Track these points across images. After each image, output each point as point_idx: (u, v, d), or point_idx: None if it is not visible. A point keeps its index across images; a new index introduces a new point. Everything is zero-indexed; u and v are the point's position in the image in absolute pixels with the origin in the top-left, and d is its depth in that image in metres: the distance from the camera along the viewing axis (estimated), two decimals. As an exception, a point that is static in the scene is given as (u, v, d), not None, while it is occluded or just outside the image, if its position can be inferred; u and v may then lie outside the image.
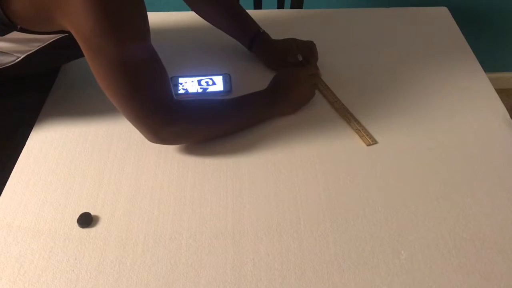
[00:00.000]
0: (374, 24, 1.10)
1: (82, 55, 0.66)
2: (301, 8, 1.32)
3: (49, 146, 0.81)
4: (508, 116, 0.86)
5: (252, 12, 0.99)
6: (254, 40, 0.96)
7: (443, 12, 1.15)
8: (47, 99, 0.90)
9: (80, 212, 0.71)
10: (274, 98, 0.85)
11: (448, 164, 0.78)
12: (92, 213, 0.71)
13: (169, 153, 0.80)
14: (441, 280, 0.63)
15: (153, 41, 0.69)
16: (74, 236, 0.68)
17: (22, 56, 0.74)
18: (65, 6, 0.61)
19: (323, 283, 0.63)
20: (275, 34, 0.98)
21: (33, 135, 0.83)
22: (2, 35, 0.69)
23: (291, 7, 1.31)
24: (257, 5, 1.34)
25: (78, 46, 0.65)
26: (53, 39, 0.72)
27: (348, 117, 0.85)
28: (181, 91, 0.90)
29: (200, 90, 0.90)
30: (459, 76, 0.95)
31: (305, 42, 0.95)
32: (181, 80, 0.92)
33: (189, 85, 0.91)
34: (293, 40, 0.96)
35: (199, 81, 0.92)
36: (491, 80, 0.94)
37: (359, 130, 0.83)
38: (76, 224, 0.69)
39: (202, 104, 0.81)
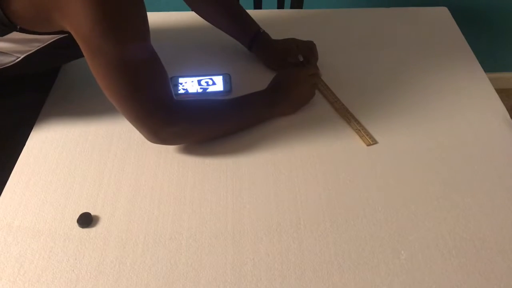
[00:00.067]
0: (374, 24, 1.10)
1: (82, 55, 0.66)
2: (301, 8, 1.32)
3: (49, 146, 0.81)
4: (508, 116, 0.86)
5: (252, 12, 0.99)
6: (254, 40, 0.96)
7: (443, 12, 1.15)
8: (47, 99, 0.90)
9: (80, 212, 0.71)
10: (274, 98, 0.85)
11: (448, 164, 0.78)
12: (92, 213, 0.71)
13: (169, 153, 0.80)
14: (441, 280, 0.63)
15: (153, 41, 0.69)
16: (74, 236, 0.68)
17: (22, 56, 0.74)
18: (65, 7, 0.61)
19: (323, 283, 0.63)
20: (275, 34, 0.98)
21: (33, 135, 0.83)
22: (2, 35, 0.69)
23: (291, 7, 1.31)
24: (257, 5, 1.34)
25: (78, 46, 0.65)
26: (53, 40, 0.72)
27: (348, 117, 0.85)
28: (181, 91, 0.90)
29: (200, 90, 0.90)
30: (459, 76, 0.95)
31: (305, 42, 0.95)
32: (181, 80, 0.92)
33: (189, 85, 0.91)
34: (293, 40, 0.96)
35: (199, 81, 0.92)
36: (491, 80, 0.94)
37: (359, 130, 0.83)
38: (76, 224, 0.69)
39: (202, 104, 0.81)
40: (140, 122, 0.72)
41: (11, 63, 0.75)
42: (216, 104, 0.82)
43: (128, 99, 0.69)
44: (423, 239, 0.67)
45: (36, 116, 0.87)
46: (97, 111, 0.87)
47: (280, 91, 0.85)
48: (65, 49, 0.74)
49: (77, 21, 0.62)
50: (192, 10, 1.02)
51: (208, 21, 1.00)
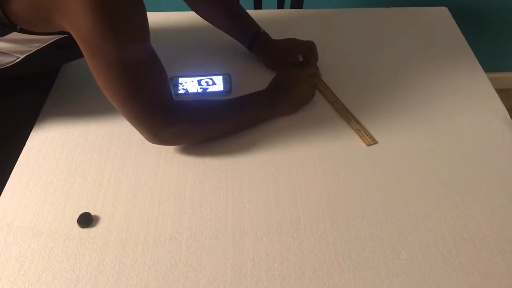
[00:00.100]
0: (374, 24, 1.10)
1: (82, 56, 0.66)
2: (301, 8, 1.32)
3: (49, 146, 0.81)
4: (508, 116, 0.86)
5: (252, 12, 0.99)
6: (254, 40, 0.96)
7: (443, 12, 1.15)
8: (47, 99, 0.90)
9: (80, 212, 0.71)
10: (274, 98, 0.85)
11: (448, 164, 0.78)
12: (92, 213, 0.71)
13: (169, 153, 0.80)
14: (441, 280, 0.63)
15: (153, 41, 0.69)
16: (74, 236, 0.68)
17: (22, 57, 0.74)
18: (65, 7, 0.61)
19: (323, 283, 0.63)
20: (275, 34, 0.98)
21: (33, 135, 0.83)
22: (2, 35, 0.69)
23: (291, 7, 1.31)
24: (257, 5, 1.34)
25: (78, 47, 0.65)
26: (53, 40, 0.72)
27: (348, 117, 0.85)
28: (181, 91, 0.90)
29: (200, 90, 0.90)
30: (459, 76, 0.95)
31: (305, 42, 0.95)
32: (181, 80, 0.92)
33: (189, 85, 0.91)
34: (293, 40, 0.96)
35: (199, 81, 0.92)
36: (491, 80, 0.94)
37: (359, 130, 0.83)
38: (76, 224, 0.69)
39: (202, 105, 0.81)
40: (140, 122, 0.72)
41: (11, 63, 0.75)
42: (216, 104, 0.82)
43: (128, 99, 0.69)
44: (423, 239, 0.67)
45: (36, 116, 0.87)
46: (97, 111, 0.87)
47: (280, 91, 0.85)
48: (65, 49, 0.74)
49: (77, 22, 0.62)
50: (192, 10, 1.02)
51: (208, 21, 1.00)
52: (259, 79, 0.89)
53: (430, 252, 0.66)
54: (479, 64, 0.98)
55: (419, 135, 0.83)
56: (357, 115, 0.86)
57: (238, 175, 0.76)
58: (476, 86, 0.93)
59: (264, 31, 0.97)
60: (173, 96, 0.74)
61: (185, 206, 0.72)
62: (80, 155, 0.80)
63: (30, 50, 0.73)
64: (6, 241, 0.68)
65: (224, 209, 0.72)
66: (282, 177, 0.76)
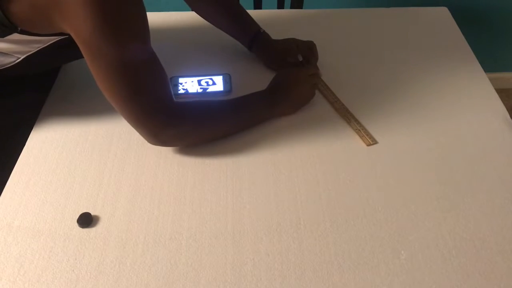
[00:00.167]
0: (374, 24, 1.10)
1: (82, 56, 0.66)
2: (301, 8, 1.32)
3: (49, 146, 0.81)
4: (508, 116, 0.86)
5: (252, 12, 0.99)
6: (254, 40, 0.96)
7: (443, 12, 1.15)
8: (47, 99, 0.90)
9: (80, 212, 0.71)
10: (274, 98, 0.85)
11: (448, 164, 0.78)
12: (92, 213, 0.71)
13: (169, 153, 0.80)
14: (441, 280, 0.63)
15: (153, 41, 0.69)
16: (74, 236, 0.68)
17: (22, 57, 0.74)
18: (65, 9, 0.61)
19: (323, 283, 0.63)
20: (275, 34, 0.98)
21: (33, 135, 0.83)
22: (2, 36, 0.69)
23: (291, 7, 1.31)
24: (257, 5, 1.34)
25: (78, 47, 0.65)
26: (53, 40, 0.72)
27: (348, 117, 0.85)
28: (181, 91, 0.90)
29: (200, 90, 0.90)
30: (459, 76, 0.95)
31: (305, 42, 0.95)
32: (181, 80, 0.92)
33: (189, 85, 0.91)
34: (293, 40, 0.96)
35: (199, 81, 0.92)
36: (491, 80, 0.94)
37: (359, 130, 0.83)
38: (76, 224, 0.69)
39: (202, 106, 0.81)
40: (140, 124, 0.72)
41: (11, 64, 0.75)
42: (216, 105, 0.82)
43: (128, 101, 0.69)
44: (423, 239, 0.67)
45: (36, 116, 0.87)
46: (97, 111, 0.87)
47: (280, 91, 0.85)
48: (65, 50, 0.74)
49: (77, 23, 0.62)
50: (192, 10, 1.02)
51: (208, 21, 1.00)
52: (259, 79, 0.89)
53: (430, 252, 0.66)
54: (479, 64, 0.98)
55: (419, 135, 0.83)
56: (357, 115, 0.86)
57: (238, 175, 0.76)
58: (476, 86, 0.93)
59: (264, 31, 0.97)
60: (173, 97, 0.74)
61: (185, 206, 0.72)
62: (80, 155, 0.80)
63: (30, 51, 0.73)
64: (6, 241, 0.68)
65: (224, 209, 0.72)
66: (282, 177, 0.76)
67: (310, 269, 0.64)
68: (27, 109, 0.88)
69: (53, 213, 0.71)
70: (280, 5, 1.33)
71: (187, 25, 1.09)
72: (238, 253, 0.66)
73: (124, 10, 0.63)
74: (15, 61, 0.74)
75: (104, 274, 0.64)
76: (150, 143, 0.76)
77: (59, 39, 0.72)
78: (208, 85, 0.91)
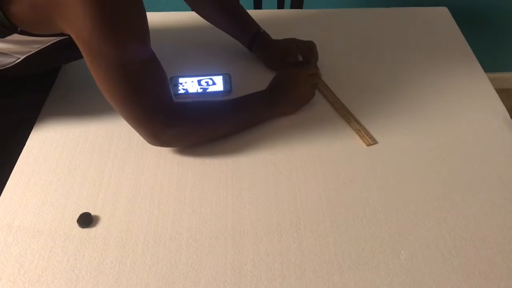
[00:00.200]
0: (374, 24, 1.10)
1: (82, 56, 0.66)
2: (301, 8, 1.32)
3: (49, 146, 0.81)
4: (508, 116, 0.86)
5: (252, 12, 0.99)
6: (254, 40, 0.96)
7: (443, 12, 1.15)
8: (47, 99, 0.90)
9: (80, 212, 0.71)
10: (274, 98, 0.85)
11: (448, 164, 0.78)
12: (92, 213, 0.71)
13: (169, 153, 0.80)
14: (441, 280, 0.63)
15: (153, 41, 0.69)
16: (74, 236, 0.68)
17: (22, 57, 0.74)
18: (65, 10, 0.61)
19: (323, 283, 0.63)
20: (275, 34, 0.98)
21: (33, 135, 0.83)
22: (2, 37, 0.69)
23: (291, 7, 1.31)
24: (257, 5, 1.34)
25: (78, 48, 0.65)
26: (53, 41, 0.72)
27: (348, 117, 0.85)
28: (181, 91, 0.90)
29: (200, 90, 0.90)
30: (459, 76, 0.95)
31: (305, 42, 0.95)
32: (181, 80, 0.92)
33: (189, 85, 0.91)
34: (293, 40, 0.96)
35: (199, 81, 0.92)
36: (491, 80, 0.94)
37: (359, 130, 0.83)
38: (76, 224, 0.69)
39: (202, 106, 0.81)
40: (140, 124, 0.72)
41: (11, 64, 0.75)
42: (216, 105, 0.82)
43: (128, 101, 0.69)
44: (423, 239, 0.67)
45: (36, 116, 0.87)
46: (97, 111, 0.87)
47: (280, 91, 0.85)
48: (65, 50, 0.74)
49: (77, 25, 0.62)
50: (192, 10, 1.02)
51: (208, 21, 1.00)
52: (259, 79, 0.89)
53: (430, 252, 0.66)
54: (479, 64, 0.98)
55: (419, 135, 0.83)
56: (357, 115, 0.86)
57: (238, 175, 0.76)
58: (476, 86, 0.93)
59: (264, 31, 0.97)
60: (173, 97, 0.74)
61: (185, 206, 0.72)
62: (80, 155, 0.80)
63: (30, 51, 0.73)
64: (6, 241, 0.68)
65: (224, 209, 0.72)
66: (282, 177, 0.76)
67: (310, 269, 0.64)
68: (27, 109, 0.88)
69: (53, 213, 0.71)
70: (280, 5, 1.33)
71: (187, 25, 1.09)
72: (238, 253, 0.66)
73: (123, 10, 0.63)
74: (15, 61, 0.75)
75: (104, 274, 0.64)
76: (150, 143, 0.76)
77: (59, 40, 0.72)
78: (208, 85, 0.91)
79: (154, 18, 1.02)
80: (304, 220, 0.70)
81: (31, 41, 0.71)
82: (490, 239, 0.67)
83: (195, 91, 0.90)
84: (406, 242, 0.67)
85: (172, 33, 1.07)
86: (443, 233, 0.68)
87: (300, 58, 0.94)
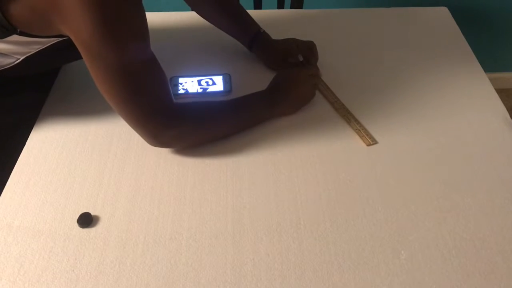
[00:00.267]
0: (374, 24, 1.10)
1: (82, 57, 0.66)
2: (301, 8, 1.32)
3: (49, 146, 0.81)
4: (508, 116, 0.86)
5: (252, 12, 0.99)
6: (254, 40, 0.96)
7: (443, 12, 1.15)
8: (47, 99, 0.90)
9: (80, 212, 0.71)
10: (274, 98, 0.85)
11: (448, 164, 0.78)
12: (92, 213, 0.71)
13: (169, 153, 0.80)
14: (441, 280, 0.63)
15: (153, 41, 0.69)
16: (74, 236, 0.68)
17: (22, 58, 0.74)
18: (64, 12, 0.61)
19: (323, 283, 0.63)
20: (275, 34, 0.98)
21: (33, 135, 0.83)
22: (2, 38, 0.69)
23: (291, 7, 1.31)
24: (257, 5, 1.34)
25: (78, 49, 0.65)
26: (53, 42, 0.72)
27: (348, 117, 0.85)
28: (181, 91, 0.90)
29: (200, 90, 0.90)
30: (459, 76, 0.95)
31: (305, 42, 0.95)
32: (181, 80, 0.92)
33: (189, 85, 0.91)
34: (293, 40, 0.96)
35: (199, 81, 0.92)
36: (491, 80, 0.94)
37: (359, 130, 0.83)
38: (76, 224, 0.69)
39: (202, 107, 0.81)
40: (140, 125, 0.72)
41: (11, 65, 0.75)
42: (216, 106, 0.82)
43: (128, 102, 0.69)
44: (423, 239, 0.67)
45: (36, 116, 0.87)
46: (97, 111, 0.87)
47: (280, 91, 0.85)
48: (64, 51, 0.73)
49: (77, 26, 0.62)
50: (192, 10, 1.02)
51: (208, 21, 1.00)
52: (259, 79, 0.89)
53: (430, 252, 0.66)
54: (479, 64, 0.98)
55: (419, 135, 0.83)
56: (357, 115, 0.86)
57: (238, 175, 0.76)
58: (476, 86, 0.93)
59: (264, 31, 0.97)
60: (173, 98, 0.74)
61: (185, 206, 0.72)
62: (80, 155, 0.80)
63: (30, 52, 0.73)
64: (6, 241, 0.68)
65: (224, 209, 0.72)
66: (282, 177, 0.76)
67: (310, 269, 0.64)
68: (27, 109, 0.88)
69: (53, 213, 0.71)
70: (280, 5, 1.33)
71: (187, 25, 1.09)
72: (238, 253, 0.66)
73: (123, 12, 0.62)
74: (14, 62, 0.74)
75: (104, 274, 0.64)
76: (150, 144, 0.76)
77: (59, 41, 0.72)
78: (208, 85, 0.91)
79: (154, 18, 1.02)
80: (304, 220, 0.70)
81: (30, 42, 0.71)
82: (490, 239, 0.67)
83: (195, 91, 0.90)
84: (406, 242, 0.67)
85: (172, 33, 1.07)
86: (443, 233, 0.68)
87: (301, 58, 0.94)
